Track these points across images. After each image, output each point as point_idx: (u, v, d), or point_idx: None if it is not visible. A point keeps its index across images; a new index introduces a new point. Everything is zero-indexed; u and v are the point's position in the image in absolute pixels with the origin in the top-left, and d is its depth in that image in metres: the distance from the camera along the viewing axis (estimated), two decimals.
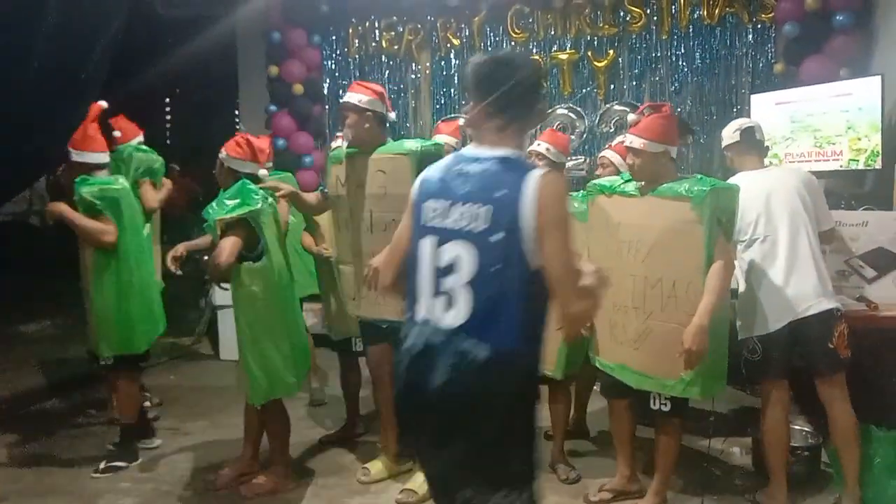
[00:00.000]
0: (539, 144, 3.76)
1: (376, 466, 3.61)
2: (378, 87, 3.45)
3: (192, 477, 3.67)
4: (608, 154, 3.98)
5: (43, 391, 5.01)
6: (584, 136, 5.84)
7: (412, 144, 3.28)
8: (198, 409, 4.61)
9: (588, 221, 3.26)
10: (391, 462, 3.62)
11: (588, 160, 5.58)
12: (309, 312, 4.89)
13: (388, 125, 3.44)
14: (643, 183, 3.03)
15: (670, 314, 2.89)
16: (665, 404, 3.04)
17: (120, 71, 6.58)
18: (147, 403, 4.43)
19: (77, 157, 3.68)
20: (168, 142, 11.72)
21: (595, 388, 4.06)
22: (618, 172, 3.69)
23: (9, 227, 9.64)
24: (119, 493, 3.51)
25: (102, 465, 3.71)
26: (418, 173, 3.14)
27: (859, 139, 4.46)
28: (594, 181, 3.37)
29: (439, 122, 4.61)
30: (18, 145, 5.30)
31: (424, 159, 3.19)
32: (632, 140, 2.99)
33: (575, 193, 3.54)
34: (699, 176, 2.96)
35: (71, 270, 3.87)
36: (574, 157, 5.76)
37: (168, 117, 15.76)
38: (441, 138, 3.99)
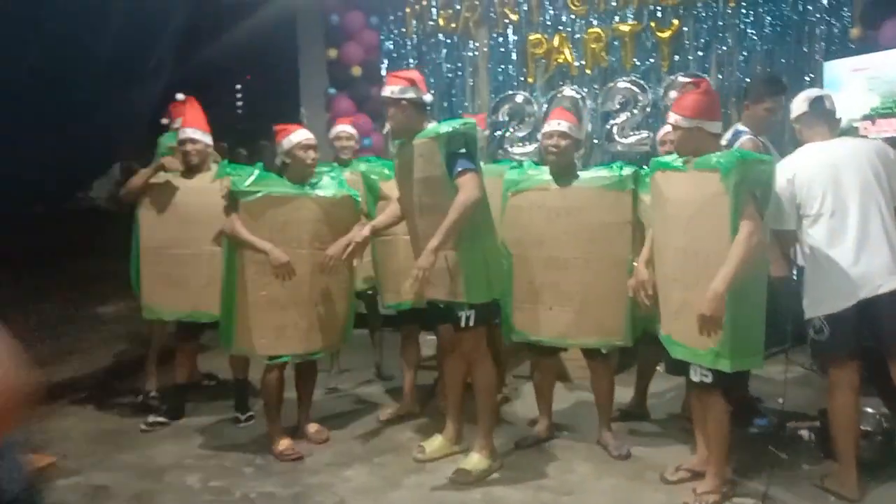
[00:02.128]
0: (559, 124, 3.56)
1: (433, 445, 3.63)
2: (411, 74, 3.45)
3: (254, 452, 3.76)
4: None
5: (119, 369, 5.21)
6: (648, 110, 5.66)
7: (443, 127, 3.27)
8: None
9: (651, 197, 3.26)
10: (449, 441, 3.63)
11: (651, 135, 5.41)
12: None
13: (427, 108, 3.44)
14: (688, 158, 2.97)
15: (704, 286, 2.81)
16: (706, 375, 2.96)
17: (187, 59, 6.75)
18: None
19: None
20: (238, 127, 12.03)
21: (659, 368, 4.00)
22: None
23: (87, 214, 10.07)
24: (184, 468, 3.63)
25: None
26: (449, 155, 3.22)
27: None
28: (656, 158, 3.29)
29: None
30: (89, 133, 5.51)
31: (452, 141, 3.23)
32: (669, 116, 3.03)
33: (640, 169, 3.48)
34: (737, 150, 2.92)
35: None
36: (636, 133, 5.62)
37: (239, 104, 16.17)
38: None
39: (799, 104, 3.21)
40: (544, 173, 3.62)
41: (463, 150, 3.22)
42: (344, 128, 4.66)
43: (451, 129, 3.24)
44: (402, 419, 4.14)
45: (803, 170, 3.04)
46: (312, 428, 3.89)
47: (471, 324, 3.36)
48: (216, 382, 4.87)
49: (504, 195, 3.61)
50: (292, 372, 3.85)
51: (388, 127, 3.42)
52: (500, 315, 3.64)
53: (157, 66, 6.35)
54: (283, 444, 3.68)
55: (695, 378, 3.01)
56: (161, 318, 4.17)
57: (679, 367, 3.13)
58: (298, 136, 3.60)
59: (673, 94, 3.14)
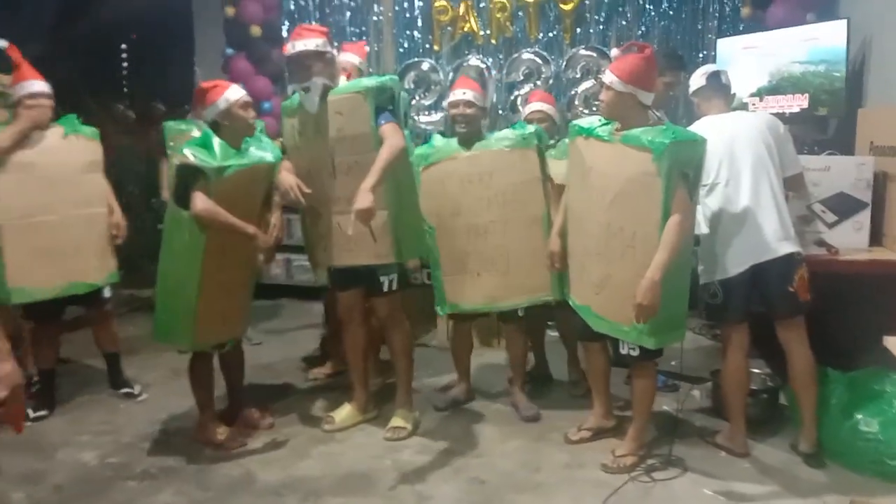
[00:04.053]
0: (465, 93, 3.53)
1: (341, 414, 3.60)
2: (323, 27, 3.33)
3: (152, 427, 3.63)
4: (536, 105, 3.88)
5: None
6: (551, 82, 5.74)
7: (368, 81, 3.20)
8: (158, 361, 4.52)
9: (568, 162, 3.26)
10: (358, 410, 3.62)
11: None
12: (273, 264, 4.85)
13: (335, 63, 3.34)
14: (616, 126, 2.98)
15: (628, 264, 2.88)
16: (634, 349, 3.06)
17: (71, 15, 6.28)
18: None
19: None
20: (125, 89, 11.34)
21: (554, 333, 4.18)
22: (547, 122, 3.76)
23: None
24: (78, 445, 3.46)
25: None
26: (375, 110, 3.14)
27: (823, 84, 4.45)
28: (574, 121, 3.32)
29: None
30: None
31: (380, 95, 3.16)
32: (604, 75, 2.97)
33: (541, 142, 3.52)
34: (666, 126, 2.89)
35: None
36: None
37: (125, 64, 15.20)
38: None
39: (697, 78, 3.32)
40: (452, 143, 3.61)
41: (390, 107, 3.17)
42: None
43: (378, 83, 3.16)
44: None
45: None
46: (255, 414, 3.62)
47: (393, 287, 3.37)
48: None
49: (416, 171, 3.57)
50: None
51: (313, 83, 3.15)
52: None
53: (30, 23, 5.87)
54: (222, 432, 3.42)
55: (623, 351, 3.10)
56: (33, 298, 3.56)
57: (590, 333, 3.20)
58: (235, 93, 3.18)
59: (615, 52, 3.09)
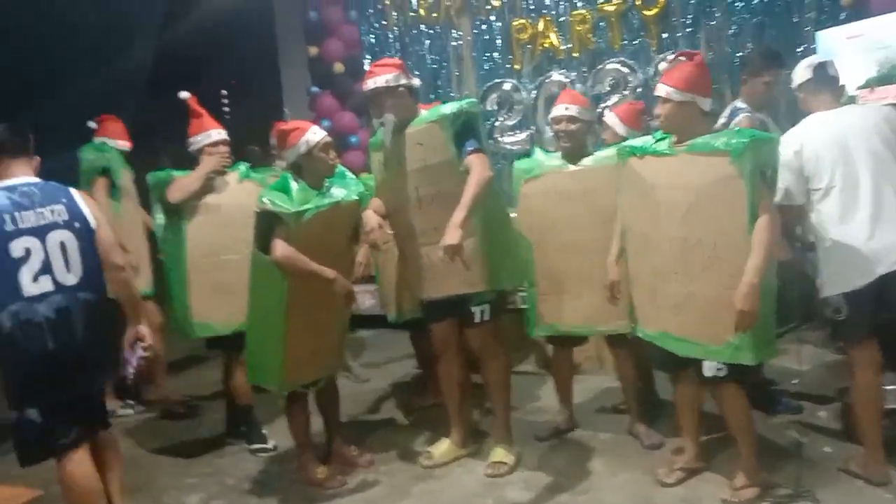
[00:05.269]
0: (567, 108, 3.41)
1: (440, 449, 3.50)
2: (395, 61, 3.30)
3: (255, 468, 3.64)
4: (607, 117, 3.74)
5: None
6: (639, 90, 5.54)
7: (445, 109, 3.13)
8: (261, 399, 4.56)
9: (620, 186, 3.08)
10: (456, 445, 3.50)
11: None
12: (366, 294, 4.83)
13: (417, 93, 3.29)
14: (675, 139, 2.82)
15: (713, 277, 2.70)
16: (721, 369, 2.82)
17: (166, 69, 6.59)
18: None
19: None
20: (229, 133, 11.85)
21: None
22: (620, 137, 3.52)
23: None
24: (184, 489, 3.50)
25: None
26: (455, 137, 3.06)
27: None
28: (625, 143, 3.14)
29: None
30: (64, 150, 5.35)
31: (456, 120, 3.08)
32: (659, 88, 2.82)
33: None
34: (736, 128, 2.76)
35: None
36: None
37: (226, 110, 15.91)
38: None
39: (801, 72, 3.07)
40: (555, 158, 3.50)
41: (472, 133, 3.10)
42: None
43: (455, 109, 3.09)
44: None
45: (811, 141, 2.91)
46: (353, 451, 3.58)
47: (486, 318, 3.25)
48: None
49: (516, 184, 3.48)
50: None
51: (386, 118, 3.15)
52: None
53: (135, 73, 6.20)
54: (322, 472, 3.37)
55: (708, 373, 2.86)
56: (216, 332, 3.69)
57: (671, 363, 3.01)
58: (315, 135, 3.18)
59: (663, 66, 2.93)
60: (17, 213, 2.57)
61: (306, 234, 3.04)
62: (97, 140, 4.42)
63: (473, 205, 2.96)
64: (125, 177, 4.38)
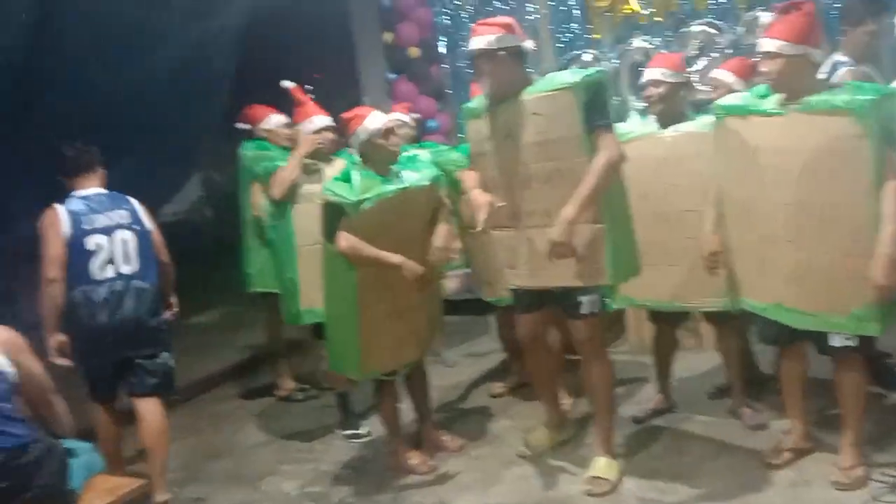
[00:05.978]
0: (651, 72, 3.22)
1: (537, 437, 3.40)
2: (505, 19, 2.95)
3: (349, 454, 3.68)
4: (719, 74, 3.49)
5: (217, 376, 5.23)
6: (729, 52, 5.23)
7: (570, 76, 2.84)
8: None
9: (716, 148, 2.88)
10: (552, 431, 3.41)
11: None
12: (453, 278, 4.79)
13: (527, 58, 2.94)
14: (783, 96, 2.60)
15: (832, 243, 2.52)
16: (850, 339, 2.63)
17: (246, 66, 6.72)
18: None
19: None
20: None
21: None
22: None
23: (176, 226, 10.28)
24: (282, 475, 3.58)
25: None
26: (586, 108, 2.74)
27: None
28: (719, 102, 2.93)
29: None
30: (159, 150, 5.55)
31: (589, 90, 2.75)
32: (764, 43, 2.61)
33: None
34: (854, 83, 2.53)
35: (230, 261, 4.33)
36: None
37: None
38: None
39: None
40: (649, 123, 3.30)
41: (601, 104, 2.78)
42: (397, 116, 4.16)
43: (587, 77, 2.78)
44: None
45: None
46: (443, 436, 3.58)
47: (595, 310, 2.97)
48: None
49: None
50: None
51: (485, 86, 2.92)
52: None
53: (217, 77, 6.36)
54: (414, 457, 3.38)
55: (836, 344, 2.67)
56: (322, 319, 3.51)
57: (782, 337, 2.83)
58: (374, 122, 3.12)
59: (765, 18, 2.72)
60: (92, 216, 3.18)
61: (372, 222, 3.02)
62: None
63: (594, 195, 2.70)
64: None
